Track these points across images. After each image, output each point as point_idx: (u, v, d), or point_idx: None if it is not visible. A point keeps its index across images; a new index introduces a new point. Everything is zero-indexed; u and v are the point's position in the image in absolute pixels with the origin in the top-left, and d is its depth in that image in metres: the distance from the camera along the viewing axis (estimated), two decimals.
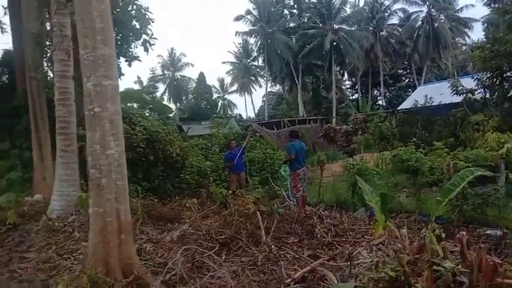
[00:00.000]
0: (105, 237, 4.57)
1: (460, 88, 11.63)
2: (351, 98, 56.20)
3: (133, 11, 12.56)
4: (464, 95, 11.49)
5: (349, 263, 5.17)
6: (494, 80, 10.03)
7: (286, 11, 51.25)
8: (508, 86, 9.89)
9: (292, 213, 8.30)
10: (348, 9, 45.45)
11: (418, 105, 16.59)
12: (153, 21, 12.55)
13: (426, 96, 17.21)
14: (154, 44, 11.94)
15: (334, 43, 40.71)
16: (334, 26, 42.35)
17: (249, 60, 56.46)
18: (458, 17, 42.68)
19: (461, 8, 43.53)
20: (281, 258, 5.80)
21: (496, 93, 10.24)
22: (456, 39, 45.45)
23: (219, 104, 62.21)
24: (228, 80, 62.28)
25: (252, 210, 6.97)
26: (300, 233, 6.94)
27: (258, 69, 57.28)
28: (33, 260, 5.76)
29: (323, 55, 42.14)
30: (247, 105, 66.58)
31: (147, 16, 12.57)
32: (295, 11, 51.26)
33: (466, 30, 44.35)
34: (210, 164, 13.00)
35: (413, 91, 45.34)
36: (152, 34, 11.97)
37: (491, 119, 9.63)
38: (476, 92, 11.13)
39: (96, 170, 4.60)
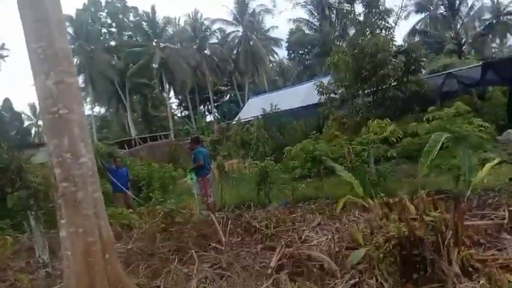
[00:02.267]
0: (88, 260, 3.86)
1: (324, 89, 13.52)
2: (179, 115, 57.16)
3: None
4: (328, 95, 13.43)
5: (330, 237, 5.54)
6: (355, 79, 12.14)
7: (104, 30, 48.94)
8: (366, 84, 12.14)
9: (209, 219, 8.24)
10: (170, 29, 46.38)
11: (268, 112, 18.23)
12: None
13: (272, 104, 19.01)
14: (7, 56, 10.04)
15: (163, 61, 40.91)
16: (161, 44, 42.57)
17: None
18: (268, 36, 48.33)
19: (268, 28, 49.59)
20: (242, 256, 5.83)
21: (358, 90, 12.42)
22: (268, 57, 51.32)
23: (33, 131, 54.77)
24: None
25: (195, 217, 6.70)
26: (238, 232, 7.02)
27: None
28: None
29: (151, 73, 41.76)
30: None
31: None
32: (113, 29, 49.51)
33: (275, 48, 50.61)
34: None
35: (236, 105, 49.14)
36: (4, 45, 10.04)
37: (353, 113, 11.69)
38: (338, 92, 13.21)
39: (69, 183, 3.87)
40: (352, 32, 33.12)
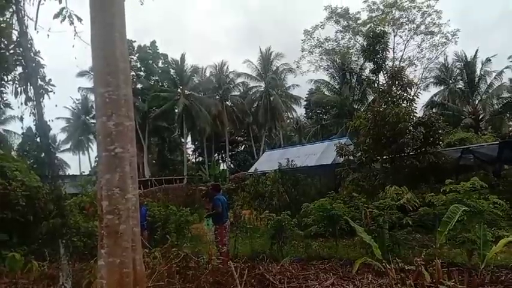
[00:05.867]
0: None
1: (344, 150, 13.99)
2: (193, 160, 57.94)
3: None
4: (346, 156, 13.88)
5: None
6: (374, 144, 12.61)
7: (133, 73, 51.19)
8: (386, 151, 12.57)
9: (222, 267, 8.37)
10: (196, 78, 48.45)
11: (284, 166, 18.56)
12: (43, 67, 11.38)
13: (288, 159, 19.43)
14: (52, 91, 10.75)
15: (186, 107, 42.37)
16: (186, 91, 44.30)
17: (88, 117, 53.38)
18: (289, 93, 49.89)
19: (289, 86, 51.22)
20: None
21: (376, 155, 12.85)
22: (286, 113, 52.64)
23: None
24: (61, 137, 57.12)
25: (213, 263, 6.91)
26: (252, 283, 7.15)
27: None
28: None
29: (173, 118, 43.13)
30: (83, 164, 61.10)
31: (37, 59, 11.38)
32: (142, 73, 51.77)
33: (294, 106, 52.03)
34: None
35: (251, 156, 49.80)
36: (50, 80, 10.76)
37: (371, 177, 12.04)
38: (356, 155, 13.66)
39: (114, 215, 4.21)
40: (371, 97, 34.32)
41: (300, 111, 57.94)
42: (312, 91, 51.06)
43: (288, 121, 58.91)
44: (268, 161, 28.17)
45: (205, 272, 6.83)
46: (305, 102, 55.51)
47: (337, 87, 40.71)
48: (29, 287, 6.30)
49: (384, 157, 12.94)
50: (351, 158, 13.90)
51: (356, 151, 13.94)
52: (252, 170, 28.19)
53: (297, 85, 50.93)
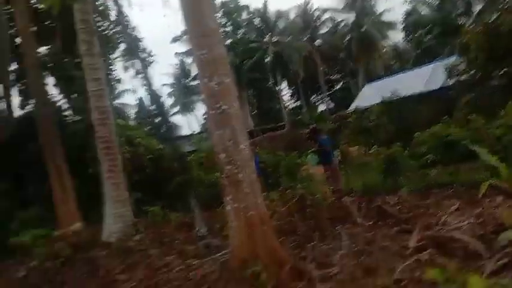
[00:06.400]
0: (249, 230, 4.56)
1: (454, 71, 12.87)
2: (291, 106, 58.26)
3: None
4: (457, 77, 12.75)
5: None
6: (488, 60, 11.32)
7: (221, 29, 52.04)
8: (503, 64, 11.25)
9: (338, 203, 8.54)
10: (282, 23, 47.49)
11: (387, 98, 17.72)
12: (142, 40, 12.20)
13: (391, 89, 18.43)
14: (153, 62, 11.60)
15: (276, 54, 42.25)
16: (273, 38, 43.98)
17: (187, 80, 56.35)
18: (382, 20, 46.32)
19: (381, 12, 47.39)
20: (378, 237, 6.05)
21: (492, 71, 11.57)
22: (382, 41, 49.20)
23: None
24: (169, 101, 61.55)
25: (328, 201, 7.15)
26: (371, 215, 7.24)
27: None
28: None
29: (265, 67, 43.49)
30: (192, 123, 67.21)
31: (135, 35, 12.23)
32: (228, 28, 52.37)
33: (389, 32, 48.21)
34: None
35: (348, 93, 48.23)
36: (151, 52, 11.60)
37: (486, 95, 10.94)
38: (470, 73, 12.44)
39: (232, 166, 4.59)
40: (478, 7, 30.13)
41: (397, 36, 53.57)
42: (408, 12, 46.73)
43: (385, 49, 55.18)
44: (369, 95, 27.09)
45: (323, 208, 7.05)
46: (402, 26, 51.10)
47: (436, 2, 36.65)
48: (172, 234, 7.23)
49: (501, 72, 11.45)
50: (463, 78, 12.60)
51: (468, 70, 12.56)
52: (352, 107, 27.42)
53: (388, 10, 46.90)
